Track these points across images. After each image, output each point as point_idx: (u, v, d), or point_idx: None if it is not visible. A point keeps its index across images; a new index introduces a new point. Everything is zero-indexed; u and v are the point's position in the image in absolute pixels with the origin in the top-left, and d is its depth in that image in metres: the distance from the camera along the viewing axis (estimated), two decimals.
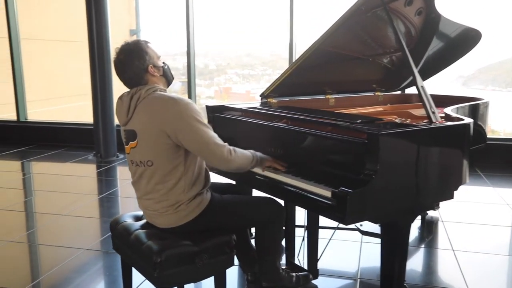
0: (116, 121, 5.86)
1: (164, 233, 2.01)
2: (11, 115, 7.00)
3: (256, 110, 2.65)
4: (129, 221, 2.17)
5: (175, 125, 1.89)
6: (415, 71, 2.26)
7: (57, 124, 6.87)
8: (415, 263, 2.93)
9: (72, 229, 3.54)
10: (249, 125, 2.50)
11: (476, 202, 4.10)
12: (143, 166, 1.98)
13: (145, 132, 1.95)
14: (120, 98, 2.04)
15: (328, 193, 1.84)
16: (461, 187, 2.13)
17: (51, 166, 5.63)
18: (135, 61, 1.96)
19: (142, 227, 2.10)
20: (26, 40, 7.23)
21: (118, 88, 6.11)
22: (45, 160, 5.87)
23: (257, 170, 2.21)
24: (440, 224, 3.52)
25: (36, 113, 7.52)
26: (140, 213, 2.24)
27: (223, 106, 2.80)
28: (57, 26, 8.80)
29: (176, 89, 7.37)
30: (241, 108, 2.70)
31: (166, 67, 2.09)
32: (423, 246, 3.20)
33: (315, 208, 1.97)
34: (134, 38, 9.73)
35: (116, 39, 8.75)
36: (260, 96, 2.94)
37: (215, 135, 1.96)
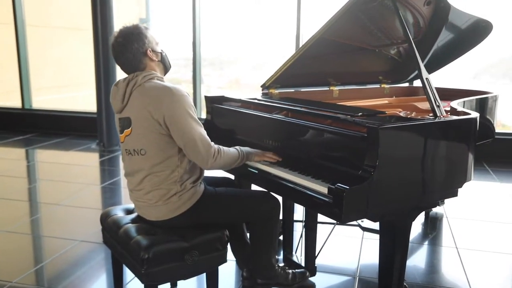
0: None
1: (154, 228, 1.95)
2: (17, 103, 6.99)
3: (256, 101, 2.57)
4: (119, 214, 2.11)
5: (167, 115, 1.85)
6: (420, 62, 2.16)
7: (61, 112, 6.84)
8: (417, 261, 2.85)
9: (72, 219, 3.50)
10: (247, 117, 2.43)
11: (482, 198, 4.00)
12: (137, 155, 1.93)
13: (139, 119, 1.90)
14: (116, 84, 1.98)
15: (324, 190, 1.76)
16: (466, 183, 2.04)
17: (54, 154, 5.60)
18: (134, 44, 1.92)
19: (133, 221, 2.03)
20: (33, 27, 7.18)
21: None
22: (49, 148, 5.85)
23: (252, 163, 2.14)
24: (444, 221, 3.43)
25: (44, 100, 7.50)
26: (132, 205, 2.18)
27: (222, 96, 2.72)
28: (65, 13, 8.74)
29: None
30: (240, 99, 2.63)
31: (164, 54, 2.05)
32: (426, 243, 3.11)
33: (312, 205, 1.89)
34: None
35: None
36: (261, 86, 2.86)
37: (204, 133, 1.90)
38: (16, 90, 6.94)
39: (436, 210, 3.58)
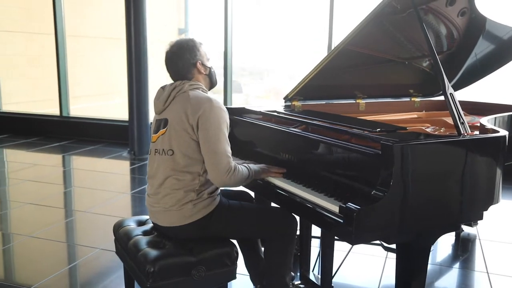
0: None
1: (163, 241, 1.93)
2: (55, 111, 7.23)
3: (275, 114, 2.52)
4: (131, 225, 2.10)
5: (201, 119, 1.90)
6: (445, 77, 2.04)
7: (95, 120, 7.02)
8: (445, 284, 2.70)
9: (99, 226, 3.55)
10: (264, 130, 2.38)
11: None
12: (164, 154, 1.97)
13: (176, 120, 1.95)
14: (162, 87, 2.07)
15: (335, 208, 1.69)
16: (503, 203, 1.90)
17: (87, 161, 5.74)
18: (186, 54, 2.04)
19: (144, 233, 2.02)
20: (73, 37, 7.42)
21: (154, 86, 6.10)
22: (83, 155, 6.00)
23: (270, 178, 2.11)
24: (477, 243, 3.25)
25: (82, 108, 7.72)
26: (145, 217, 2.17)
27: (243, 108, 2.68)
28: (104, 23, 9.01)
29: None
30: (260, 111, 2.58)
31: (212, 70, 2.15)
32: (456, 266, 2.95)
33: (322, 224, 1.82)
34: (183, 36, 9.82)
35: (164, 38, 8.85)
36: (284, 99, 2.80)
37: (228, 150, 1.93)
38: (54, 98, 7.18)
39: (468, 231, 3.40)
